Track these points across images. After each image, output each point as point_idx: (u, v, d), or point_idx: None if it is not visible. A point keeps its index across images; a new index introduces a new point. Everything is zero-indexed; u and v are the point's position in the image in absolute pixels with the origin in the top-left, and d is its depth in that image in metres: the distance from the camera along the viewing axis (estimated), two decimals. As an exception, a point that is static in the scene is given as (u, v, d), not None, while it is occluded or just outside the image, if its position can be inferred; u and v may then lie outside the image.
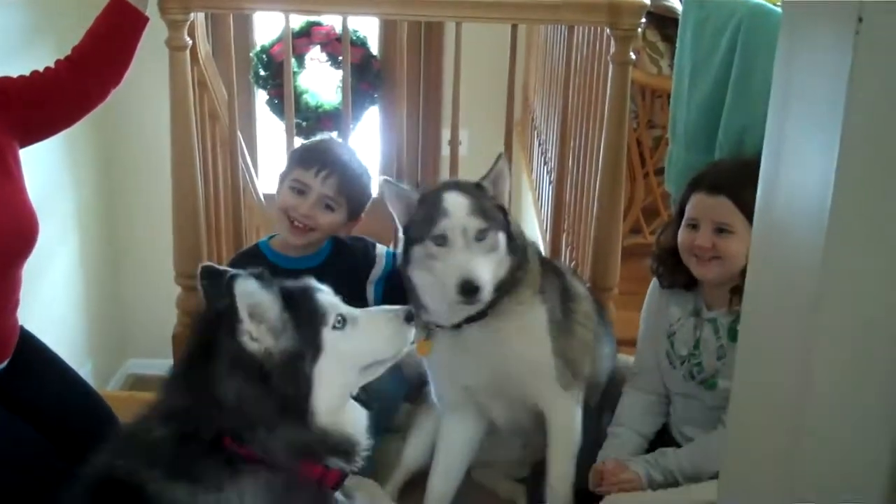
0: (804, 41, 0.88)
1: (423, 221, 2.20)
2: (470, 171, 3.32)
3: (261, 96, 5.93)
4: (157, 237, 5.34)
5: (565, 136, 3.26)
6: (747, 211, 2.16)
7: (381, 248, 2.70)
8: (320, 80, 5.92)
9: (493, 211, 2.22)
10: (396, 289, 2.63)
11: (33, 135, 2.45)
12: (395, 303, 2.75)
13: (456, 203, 2.18)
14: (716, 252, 2.21)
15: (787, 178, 0.90)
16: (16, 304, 2.43)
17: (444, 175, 5.65)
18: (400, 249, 2.31)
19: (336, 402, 1.67)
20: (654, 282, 2.49)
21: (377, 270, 2.64)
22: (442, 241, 2.17)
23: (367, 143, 5.85)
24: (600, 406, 2.55)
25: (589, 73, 3.20)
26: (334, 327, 1.68)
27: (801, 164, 0.88)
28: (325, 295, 1.74)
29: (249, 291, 1.57)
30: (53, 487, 2.21)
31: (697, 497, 2.16)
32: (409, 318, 1.80)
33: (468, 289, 2.11)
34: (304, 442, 1.62)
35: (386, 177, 2.34)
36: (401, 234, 2.31)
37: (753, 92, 2.50)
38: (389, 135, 5.90)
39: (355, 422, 1.73)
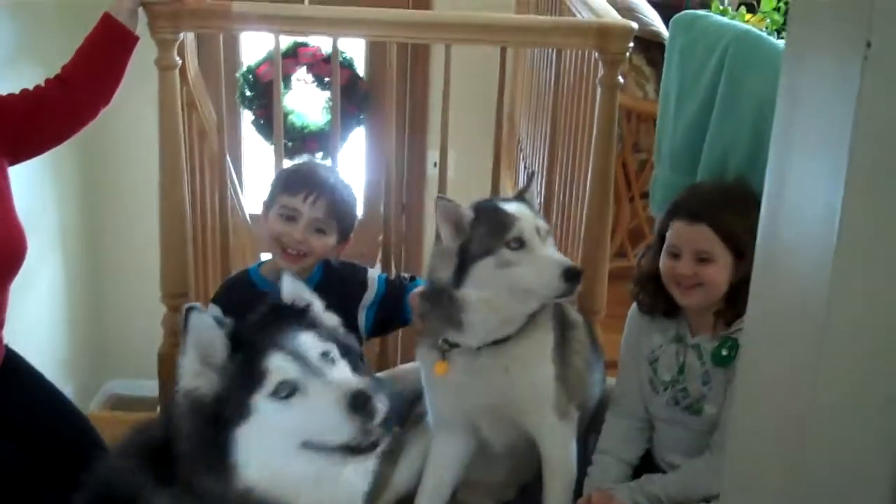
0: (810, 65, 0.86)
1: (491, 232, 2.19)
2: (456, 193, 3.34)
3: (246, 117, 5.93)
4: (139, 257, 5.30)
5: (553, 159, 3.28)
6: (727, 237, 2.18)
7: (372, 273, 2.68)
8: (306, 101, 5.93)
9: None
10: (390, 314, 2.64)
11: (22, 152, 2.45)
12: (387, 326, 2.77)
13: (519, 208, 2.23)
14: (698, 279, 2.22)
15: (792, 204, 0.88)
16: (1, 323, 2.42)
17: (432, 195, 5.67)
18: (448, 273, 2.24)
19: (270, 470, 1.52)
20: (633, 307, 2.49)
21: (369, 295, 2.62)
22: (518, 244, 2.17)
23: (352, 164, 5.86)
24: (587, 429, 2.55)
25: (576, 97, 3.22)
26: (274, 395, 1.51)
27: (806, 191, 0.86)
28: (281, 356, 1.54)
29: (201, 326, 1.53)
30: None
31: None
32: (356, 407, 1.49)
33: (573, 274, 2.14)
34: (222, 495, 1.52)
35: (440, 194, 2.32)
36: (446, 257, 2.25)
37: (738, 115, 2.52)
38: (375, 156, 5.92)
39: (304, 489, 1.56)
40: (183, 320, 1.53)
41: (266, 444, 1.50)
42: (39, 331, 4.72)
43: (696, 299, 2.25)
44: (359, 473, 1.62)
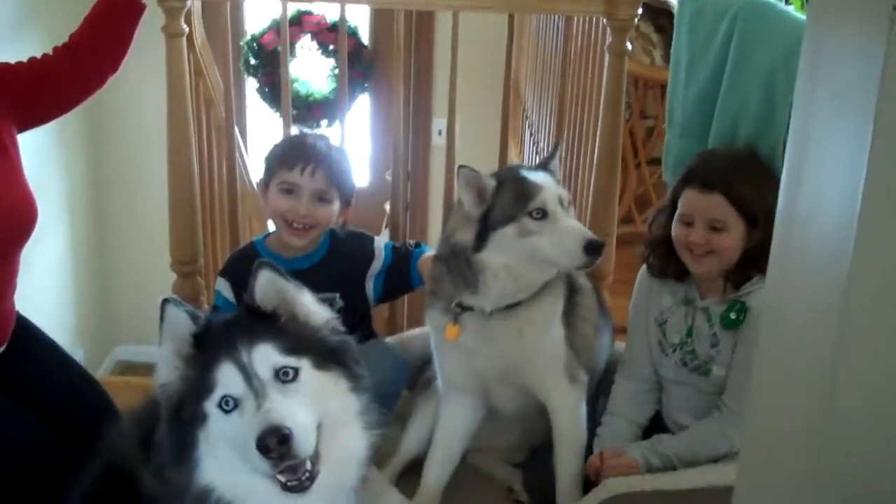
0: (832, 33, 0.83)
1: (514, 200, 2.20)
2: (461, 161, 3.34)
3: (251, 85, 5.92)
4: (146, 225, 5.34)
5: (560, 126, 3.27)
6: (740, 206, 2.19)
7: (378, 242, 2.69)
8: (311, 69, 5.91)
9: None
10: (397, 281, 2.65)
11: (31, 120, 2.45)
12: (395, 293, 2.78)
13: (543, 178, 2.23)
14: (710, 247, 2.23)
15: (813, 176, 0.85)
16: (13, 289, 2.43)
17: (436, 163, 5.67)
18: (468, 237, 2.25)
19: (226, 473, 1.51)
20: (642, 270, 2.50)
21: (377, 264, 2.63)
22: (541, 214, 2.18)
23: (357, 132, 5.85)
24: (596, 392, 2.57)
25: (584, 64, 3.22)
26: (220, 407, 1.48)
27: (828, 162, 0.83)
28: (230, 369, 1.49)
29: (176, 320, 1.51)
30: (55, 470, 2.21)
31: (695, 480, 2.18)
32: (264, 448, 1.42)
33: (595, 246, 2.15)
34: (183, 487, 1.52)
35: (462, 164, 2.30)
36: (467, 222, 2.26)
37: (747, 82, 2.52)
38: (380, 123, 5.91)
39: (261, 498, 1.53)
40: (159, 312, 1.51)
41: (219, 448, 1.48)
42: (47, 299, 4.74)
43: (707, 267, 2.27)
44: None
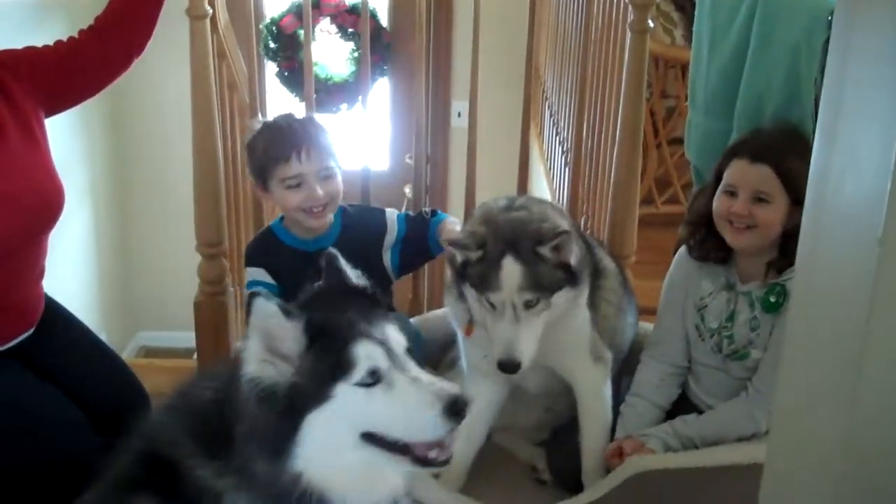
0: (862, 20, 0.83)
1: (479, 278, 2.18)
2: (480, 143, 3.35)
3: (270, 69, 5.93)
4: (169, 210, 5.38)
5: (581, 105, 3.27)
6: (787, 180, 2.17)
7: (390, 213, 2.68)
8: (330, 53, 5.92)
9: (550, 277, 2.17)
10: (416, 251, 2.66)
11: (58, 104, 2.47)
12: (415, 262, 2.78)
13: (510, 274, 2.14)
14: (752, 220, 2.22)
15: (841, 165, 0.85)
16: (41, 272, 2.46)
17: (456, 146, 5.68)
18: (457, 268, 2.26)
19: (325, 458, 1.50)
20: (680, 252, 2.49)
21: (391, 236, 2.63)
22: (492, 306, 2.18)
23: (376, 114, 5.85)
24: (620, 371, 2.57)
25: (605, 43, 3.21)
26: (360, 384, 1.47)
27: (856, 152, 0.82)
28: (369, 344, 1.50)
29: (266, 314, 1.46)
30: (86, 452, 2.24)
31: (720, 458, 2.18)
32: (452, 413, 1.47)
33: (507, 367, 2.16)
34: (273, 478, 1.49)
35: (445, 239, 2.33)
36: (458, 258, 2.26)
37: (771, 59, 2.51)
38: (399, 106, 5.91)
39: (355, 493, 1.53)
40: (246, 306, 1.47)
41: (331, 431, 1.47)
42: (71, 284, 4.78)
43: (747, 241, 2.26)
44: (399, 472, 1.59)
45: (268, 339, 1.46)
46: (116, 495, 1.54)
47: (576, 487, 2.35)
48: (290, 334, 1.47)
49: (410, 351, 1.55)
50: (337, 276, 1.67)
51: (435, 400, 1.45)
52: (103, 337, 2.74)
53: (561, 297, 2.21)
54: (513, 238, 2.17)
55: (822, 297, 0.92)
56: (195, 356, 3.13)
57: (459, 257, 2.24)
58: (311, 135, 2.48)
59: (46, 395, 2.35)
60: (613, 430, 2.41)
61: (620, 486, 2.18)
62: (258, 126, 2.58)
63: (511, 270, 2.14)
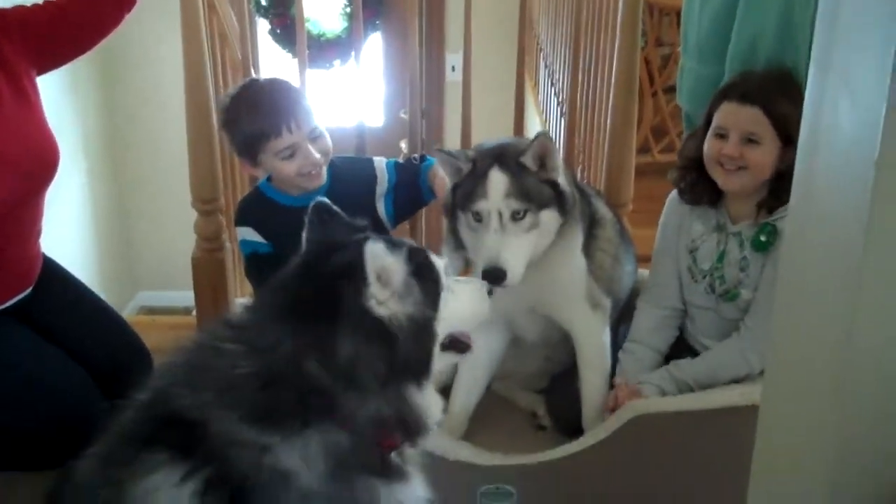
0: None
1: (466, 193, 2.20)
2: (476, 96, 3.35)
3: (262, 26, 5.89)
4: (164, 168, 5.37)
5: (577, 55, 3.25)
6: (777, 122, 2.17)
7: (378, 162, 2.67)
8: (322, 8, 5.88)
9: (536, 190, 2.18)
10: (408, 198, 2.65)
11: (49, 62, 2.46)
12: (409, 209, 2.78)
13: (495, 183, 2.16)
14: (742, 162, 2.22)
15: (835, 92, 0.84)
16: (38, 232, 2.46)
17: (451, 100, 5.66)
18: (448, 201, 2.30)
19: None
20: (672, 195, 2.49)
21: (382, 185, 2.62)
22: (479, 217, 2.18)
23: (369, 70, 5.83)
24: (618, 319, 2.59)
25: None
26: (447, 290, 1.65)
27: (850, 78, 0.81)
28: (437, 258, 1.68)
29: (378, 255, 1.50)
30: (88, 410, 2.25)
31: (718, 400, 2.20)
32: (489, 293, 1.86)
33: (492, 276, 2.12)
34: (391, 413, 1.56)
35: (438, 147, 2.29)
36: (449, 191, 2.29)
37: (764, 3, 2.49)
38: (393, 61, 5.88)
39: (435, 405, 1.67)
40: (365, 250, 1.50)
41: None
42: (68, 245, 4.78)
43: (738, 183, 2.26)
44: None
45: (381, 276, 1.52)
46: (124, 449, 1.51)
47: (575, 432, 2.37)
48: (397, 267, 1.54)
49: None
50: (334, 221, 1.72)
51: (480, 287, 1.84)
52: (103, 297, 2.74)
53: (549, 217, 2.21)
54: (500, 153, 2.22)
55: (819, 227, 0.92)
56: (194, 313, 3.13)
57: (450, 182, 2.26)
58: (293, 101, 2.45)
59: (47, 354, 2.37)
60: (613, 376, 2.42)
61: (620, 430, 2.20)
62: (226, 102, 2.52)
63: (497, 179, 2.16)
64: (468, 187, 2.20)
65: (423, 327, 1.57)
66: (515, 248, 2.16)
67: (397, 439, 1.60)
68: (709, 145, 2.29)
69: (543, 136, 2.21)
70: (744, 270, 2.32)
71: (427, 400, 1.60)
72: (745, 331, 2.31)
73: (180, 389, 1.52)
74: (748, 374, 2.29)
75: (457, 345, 1.75)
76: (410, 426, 1.59)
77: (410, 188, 2.62)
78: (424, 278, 1.59)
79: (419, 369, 1.57)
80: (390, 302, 1.52)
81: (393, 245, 1.56)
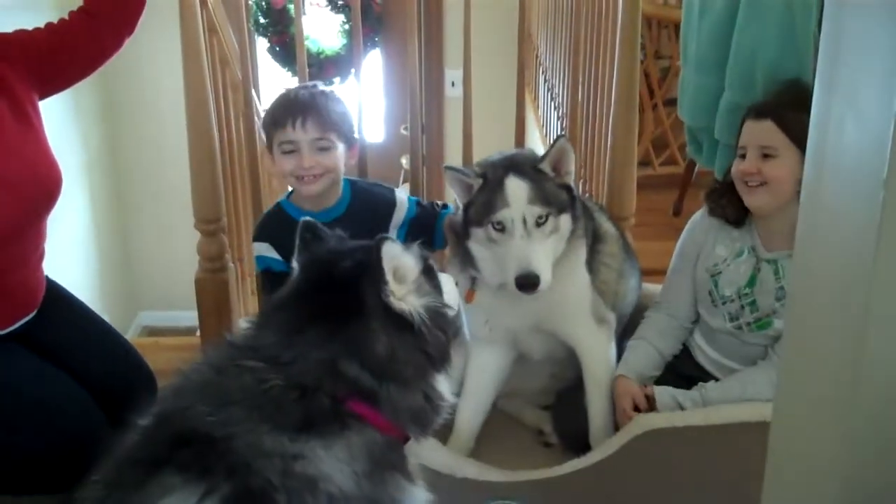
0: None
1: (483, 206, 2.20)
2: (476, 112, 3.34)
3: (261, 44, 5.91)
4: (166, 187, 5.37)
5: (576, 69, 3.25)
6: (791, 132, 2.16)
7: (400, 193, 2.70)
8: (320, 26, 5.89)
9: (554, 194, 2.21)
10: (422, 236, 2.65)
11: (51, 86, 2.46)
12: None
13: (516, 190, 2.18)
14: (762, 177, 2.21)
15: (841, 110, 0.83)
16: (41, 255, 2.46)
17: (451, 115, 5.67)
18: (460, 220, 2.30)
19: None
20: (696, 216, 2.48)
21: (399, 215, 2.65)
22: (501, 227, 2.18)
23: (369, 87, 5.84)
24: (622, 334, 2.58)
25: (598, 5, 3.19)
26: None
27: (856, 96, 0.80)
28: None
29: (395, 253, 1.58)
30: (93, 433, 2.24)
31: (728, 416, 2.19)
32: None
33: (526, 283, 2.14)
34: (425, 401, 1.64)
35: (446, 164, 2.30)
36: (461, 211, 2.30)
37: (764, 14, 2.49)
38: (393, 78, 5.89)
39: (448, 391, 1.73)
40: (382, 249, 1.56)
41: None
42: (70, 268, 4.78)
43: (761, 200, 2.24)
44: None
45: (396, 274, 1.59)
46: (134, 473, 1.47)
47: (582, 449, 2.36)
48: (412, 264, 1.63)
49: None
50: (323, 238, 1.78)
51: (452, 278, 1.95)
52: (105, 318, 2.73)
53: (566, 221, 2.24)
54: (511, 163, 2.24)
55: (827, 246, 0.91)
56: (198, 333, 3.13)
57: (461, 201, 2.27)
58: (313, 106, 2.49)
59: (51, 377, 2.35)
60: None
61: (627, 445, 2.19)
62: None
63: (516, 187, 2.18)
64: (485, 199, 2.21)
65: (440, 316, 1.63)
66: (542, 253, 2.18)
67: (409, 433, 1.65)
68: (734, 166, 2.29)
69: (564, 139, 2.24)
70: (780, 301, 2.28)
71: (445, 387, 1.68)
72: (776, 359, 2.27)
73: (200, 408, 1.51)
74: None
75: None
76: (430, 416, 1.66)
77: (426, 228, 2.64)
78: (431, 273, 1.67)
79: (443, 357, 1.64)
80: (409, 297, 1.59)
81: (405, 245, 1.66)
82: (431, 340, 1.61)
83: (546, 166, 2.22)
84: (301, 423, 1.50)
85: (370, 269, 1.56)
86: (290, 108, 2.49)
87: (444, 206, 2.71)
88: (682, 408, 2.29)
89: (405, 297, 1.59)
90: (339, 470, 1.49)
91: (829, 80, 0.87)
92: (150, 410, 1.58)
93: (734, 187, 2.31)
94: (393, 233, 2.64)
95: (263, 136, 2.65)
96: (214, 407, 1.50)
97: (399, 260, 1.60)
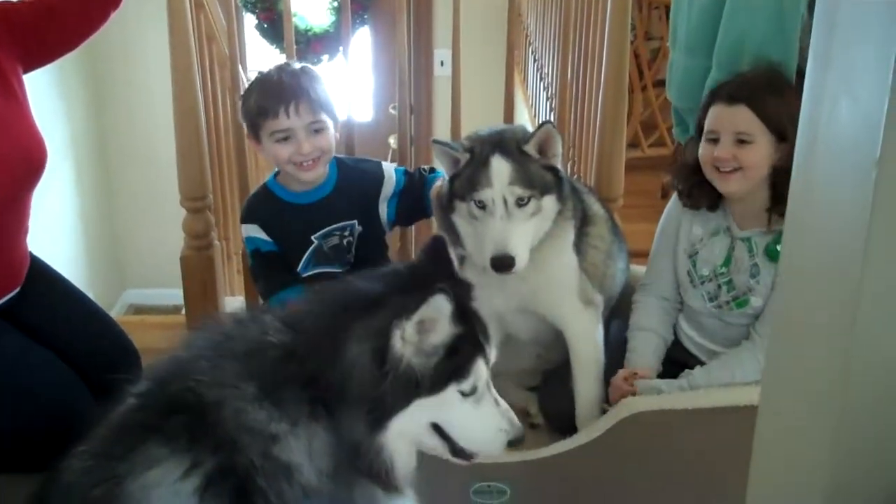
0: None
1: (468, 181, 2.19)
2: (465, 91, 3.33)
3: (249, 21, 5.87)
4: (152, 164, 5.34)
5: (566, 49, 3.24)
6: (766, 119, 2.16)
7: (387, 166, 2.68)
8: (309, 3, 5.85)
9: (539, 176, 2.20)
10: (412, 206, 2.65)
11: (35, 59, 2.43)
12: (410, 218, 2.77)
13: (499, 170, 2.17)
14: (737, 163, 2.20)
15: (835, 88, 0.82)
16: (25, 231, 2.44)
17: (440, 94, 5.64)
18: (445, 193, 2.29)
19: (406, 438, 1.57)
20: (673, 198, 2.47)
21: (388, 187, 2.63)
22: (482, 205, 2.17)
23: (358, 64, 5.81)
24: (610, 316, 2.58)
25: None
26: (462, 393, 1.57)
27: (851, 74, 0.80)
28: (482, 362, 1.60)
29: (439, 308, 1.49)
30: (78, 410, 2.24)
31: (715, 399, 2.19)
32: (512, 443, 1.65)
33: (501, 264, 2.13)
34: (358, 442, 1.53)
35: (434, 138, 2.30)
36: (446, 182, 2.29)
37: None
38: (381, 56, 5.86)
39: (406, 457, 1.61)
40: (432, 298, 1.48)
41: (422, 418, 1.56)
42: (55, 244, 4.75)
43: (735, 185, 2.24)
44: None
45: (424, 324, 1.51)
46: (121, 443, 1.47)
47: (568, 430, 2.36)
48: (444, 330, 1.52)
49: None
50: (441, 263, 1.73)
51: (509, 428, 1.63)
52: (90, 295, 2.72)
53: (550, 203, 2.22)
54: (499, 140, 2.22)
55: (818, 226, 0.90)
56: (183, 312, 3.11)
57: (447, 174, 2.25)
58: (302, 88, 2.45)
59: (35, 355, 2.34)
60: (605, 373, 2.41)
61: (614, 428, 2.19)
62: (252, 78, 2.58)
63: (500, 167, 2.17)
64: (469, 176, 2.20)
65: (410, 389, 1.52)
66: (521, 235, 2.17)
67: None
68: (703, 151, 2.27)
69: (549, 126, 2.23)
70: (754, 277, 2.28)
71: (392, 448, 1.55)
72: (758, 339, 2.27)
73: (201, 364, 1.52)
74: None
75: (462, 454, 1.65)
76: (374, 468, 1.55)
77: (415, 196, 2.62)
78: (452, 358, 1.55)
79: (380, 415, 1.51)
80: (410, 346, 1.50)
81: (460, 315, 1.54)
82: (383, 390, 1.51)
83: (531, 148, 2.21)
84: (274, 389, 1.48)
85: (410, 302, 1.49)
86: (278, 96, 2.44)
87: (433, 171, 2.69)
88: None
89: (408, 344, 1.51)
90: (307, 462, 1.48)
91: (823, 58, 0.86)
92: (139, 380, 1.57)
93: (701, 173, 2.30)
94: (383, 205, 2.63)
95: (244, 125, 2.59)
96: (215, 359, 1.52)
97: (437, 315, 1.51)
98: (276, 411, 1.48)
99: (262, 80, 2.52)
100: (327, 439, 1.50)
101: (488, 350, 1.62)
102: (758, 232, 2.28)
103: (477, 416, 1.60)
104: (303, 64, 2.60)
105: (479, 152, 2.20)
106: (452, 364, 1.55)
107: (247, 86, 2.58)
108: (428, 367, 1.53)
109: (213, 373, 1.50)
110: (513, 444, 1.65)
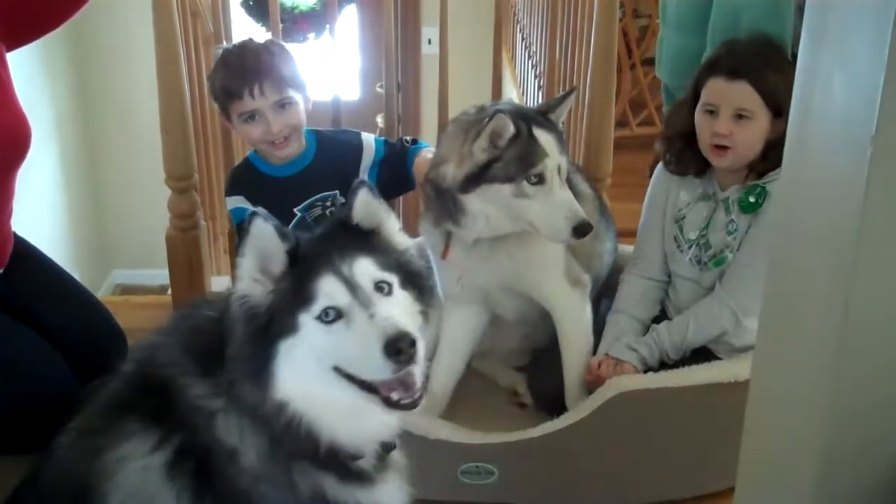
0: None
1: (518, 160, 2.13)
2: (452, 70, 3.31)
3: (235, -1, 5.82)
4: (137, 145, 5.31)
5: (554, 27, 3.22)
6: (767, 94, 2.15)
7: (367, 136, 2.67)
8: (295, -19, 5.81)
9: (564, 145, 2.23)
10: (393, 176, 2.63)
11: (19, 37, 2.40)
12: (393, 189, 2.73)
13: (550, 141, 2.15)
14: (734, 138, 2.20)
15: (830, 63, 0.82)
16: (10, 212, 2.41)
17: (427, 73, 5.62)
18: (458, 175, 2.18)
19: (305, 388, 1.48)
20: (658, 168, 2.47)
21: (368, 157, 2.61)
22: (540, 179, 2.14)
23: (345, 43, 5.77)
24: (598, 295, 2.57)
25: (576, -39, 3.15)
26: (319, 319, 1.45)
27: (846, 49, 0.80)
28: (332, 280, 1.47)
29: (262, 233, 1.46)
30: (64, 391, 2.22)
31: (700, 377, 2.20)
32: (392, 352, 1.39)
33: (584, 229, 2.12)
34: (258, 403, 1.48)
35: (498, 109, 2.18)
36: (456, 170, 2.19)
37: None
38: (368, 34, 5.83)
39: (342, 427, 1.52)
40: (247, 224, 1.47)
41: (305, 361, 1.46)
42: (41, 225, 4.73)
43: (729, 160, 2.24)
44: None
45: (262, 259, 1.48)
46: (102, 419, 1.54)
47: (557, 410, 2.35)
48: (278, 255, 1.48)
49: (377, 286, 1.50)
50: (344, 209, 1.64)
51: (377, 338, 1.40)
52: (76, 276, 2.70)
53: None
54: (525, 112, 2.22)
55: (812, 201, 0.90)
56: (170, 292, 3.09)
57: (482, 156, 2.15)
58: (265, 66, 2.43)
59: (21, 337, 2.33)
60: (594, 353, 2.41)
61: (602, 407, 2.19)
62: (217, 54, 2.56)
63: (546, 138, 2.16)
64: (520, 152, 2.13)
65: (270, 331, 1.46)
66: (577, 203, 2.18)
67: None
68: (700, 122, 2.26)
69: (573, 94, 2.31)
70: (731, 234, 2.30)
71: (295, 406, 1.48)
72: (718, 289, 2.30)
73: (160, 353, 1.55)
74: (725, 331, 2.31)
75: (390, 402, 1.49)
76: (291, 434, 1.50)
77: (397, 167, 2.61)
78: (293, 285, 1.48)
79: (255, 366, 1.47)
80: (257, 286, 1.48)
81: (283, 233, 1.49)
82: (248, 338, 1.47)
83: (555, 117, 2.24)
84: (204, 358, 1.50)
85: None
86: (241, 77, 2.42)
87: (415, 142, 2.66)
88: (643, 359, 2.31)
89: (252, 280, 1.48)
90: (240, 443, 1.48)
91: (817, 32, 0.84)
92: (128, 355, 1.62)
93: (689, 140, 2.30)
94: (363, 175, 2.59)
95: (215, 105, 2.58)
96: (174, 338, 1.56)
97: (265, 241, 1.47)
98: (210, 386, 1.49)
99: (226, 61, 2.49)
100: (248, 413, 1.49)
101: (344, 262, 1.48)
102: (734, 190, 2.30)
103: (348, 340, 1.44)
104: (266, 40, 2.58)
105: (524, 130, 2.15)
106: (294, 292, 1.47)
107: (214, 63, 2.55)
108: (278, 302, 1.47)
109: (169, 353, 1.52)
110: (395, 351, 1.38)
